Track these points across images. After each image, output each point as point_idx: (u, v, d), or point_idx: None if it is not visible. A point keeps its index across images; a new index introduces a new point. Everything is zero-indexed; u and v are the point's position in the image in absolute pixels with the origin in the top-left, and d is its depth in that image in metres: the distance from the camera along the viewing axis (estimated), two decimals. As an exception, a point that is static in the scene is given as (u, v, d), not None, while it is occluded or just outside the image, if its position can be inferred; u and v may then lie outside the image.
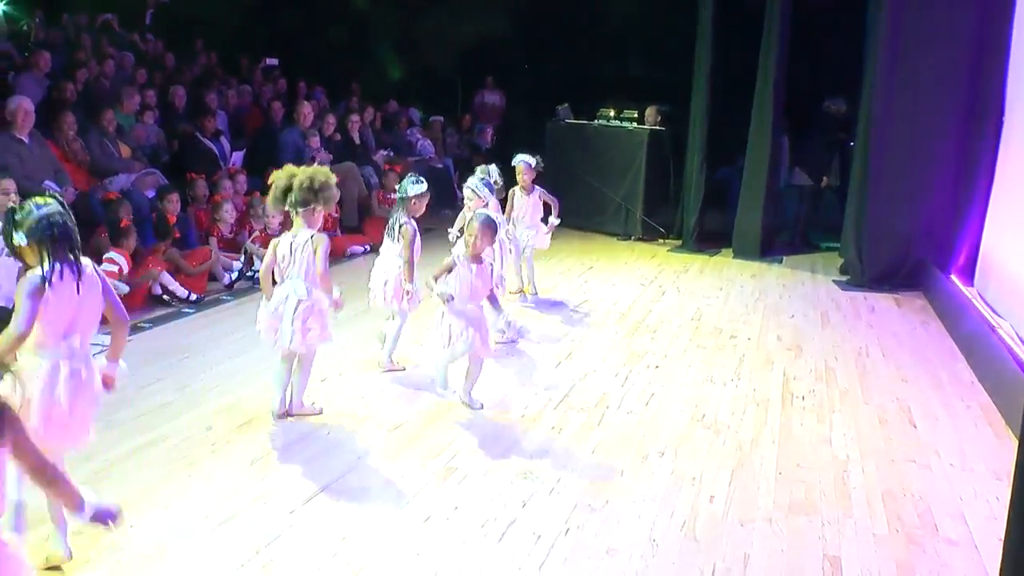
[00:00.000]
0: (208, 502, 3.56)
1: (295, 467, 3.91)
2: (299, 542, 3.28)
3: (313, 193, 4.21)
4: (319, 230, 4.30)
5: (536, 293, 7.04)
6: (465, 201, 6.00)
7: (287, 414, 4.42)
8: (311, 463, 3.96)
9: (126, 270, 6.15)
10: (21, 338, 2.79)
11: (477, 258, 4.59)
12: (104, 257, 6.07)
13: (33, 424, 2.77)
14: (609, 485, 3.84)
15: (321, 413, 4.50)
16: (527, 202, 6.87)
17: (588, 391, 5.02)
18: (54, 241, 2.83)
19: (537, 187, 6.93)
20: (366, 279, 5.28)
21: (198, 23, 12.14)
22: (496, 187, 6.16)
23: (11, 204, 5.36)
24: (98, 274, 3.01)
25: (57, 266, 2.83)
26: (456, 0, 12.67)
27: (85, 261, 2.95)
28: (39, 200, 2.89)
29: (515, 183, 6.89)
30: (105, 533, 2.81)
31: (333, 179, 4.32)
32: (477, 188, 5.88)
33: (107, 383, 3.10)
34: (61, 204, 2.91)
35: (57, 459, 2.77)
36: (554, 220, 6.93)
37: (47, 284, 2.80)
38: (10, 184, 5.59)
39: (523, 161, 6.85)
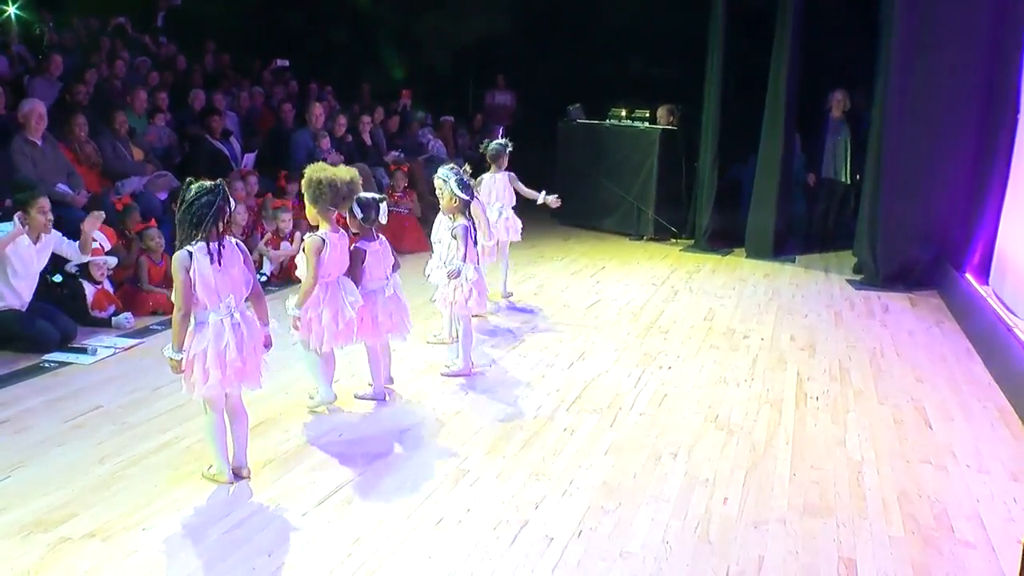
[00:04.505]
0: (221, 504, 3.57)
1: (307, 469, 3.92)
2: (312, 544, 3.28)
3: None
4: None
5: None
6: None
7: None
8: (323, 465, 3.96)
9: (107, 247, 6.17)
10: None
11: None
12: None
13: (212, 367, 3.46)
14: (622, 487, 3.82)
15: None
16: None
17: (601, 392, 5.00)
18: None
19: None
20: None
21: (209, 24, 12.18)
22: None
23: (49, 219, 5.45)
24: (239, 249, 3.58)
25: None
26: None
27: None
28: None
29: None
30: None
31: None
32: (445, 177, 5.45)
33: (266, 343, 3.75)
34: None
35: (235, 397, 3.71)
36: None
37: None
38: (45, 203, 5.55)
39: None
